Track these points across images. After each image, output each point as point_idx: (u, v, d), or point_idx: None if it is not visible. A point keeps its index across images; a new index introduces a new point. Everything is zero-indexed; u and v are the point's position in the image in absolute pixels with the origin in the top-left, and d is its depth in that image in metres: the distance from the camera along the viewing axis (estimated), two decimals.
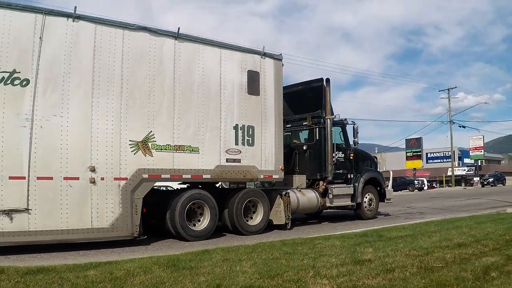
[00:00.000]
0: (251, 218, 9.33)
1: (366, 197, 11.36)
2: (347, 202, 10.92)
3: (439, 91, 49.58)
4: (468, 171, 54.46)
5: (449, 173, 48.41)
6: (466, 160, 57.90)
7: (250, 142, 9.21)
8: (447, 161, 53.90)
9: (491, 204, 16.15)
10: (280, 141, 9.76)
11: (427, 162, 58.55)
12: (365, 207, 11.37)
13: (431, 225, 8.72)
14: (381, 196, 11.84)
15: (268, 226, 9.51)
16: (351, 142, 11.56)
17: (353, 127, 11.53)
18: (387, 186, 12.24)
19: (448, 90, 47.23)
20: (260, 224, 9.27)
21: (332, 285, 4.02)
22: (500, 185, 43.74)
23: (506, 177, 54.26)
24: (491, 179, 44.83)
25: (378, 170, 12.85)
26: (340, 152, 10.97)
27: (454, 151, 49.80)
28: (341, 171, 11.02)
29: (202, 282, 4.13)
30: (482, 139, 54.00)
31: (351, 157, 11.30)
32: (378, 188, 11.80)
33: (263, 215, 9.34)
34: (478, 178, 50.30)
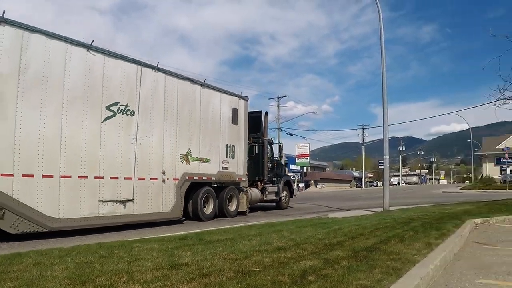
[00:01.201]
0: (230, 205, 14.05)
1: (283, 194, 17.34)
2: (274, 197, 16.66)
3: (269, 99, 52.92)
4: (292, 177, 54.64)
5: None
6: (293, 167, 60.91)
7: (233, 156, 13.97)
8: None
9: (315, 209, 17.09)
10: (246, 155, 14.77)
11: None
12: (283, 200, 17.34)
13: (253, 228, 8.76)
14: (291, 193, 18.05)
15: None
16: (275, 155, 17.38)
17: (279, 145, 17.46)
18: (294, 186, 18.58)
19: (278, 98, 51.20)
20: (235, 210, 14.08)
21: None
22: None
23: (330, 184, 61.49)
24: None
25: (288, 175, 19.10)
26: (269, 162, 16.63)
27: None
28: (270, 175, 16.69)
29: None
30: (308, 147, 57.68)
31: (275, 166, 17.11)
32: (289, 188, 17.99)
33: (236, 204, 14.19)
34: (303, 184, 54.71)
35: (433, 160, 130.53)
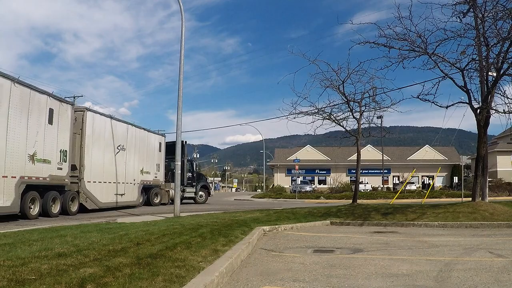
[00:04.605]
0: (155, 199, 23.84)
1: (199, 193, 27.58)
2: (192, 195, 26.85)
3: (65, 97, 49.65)
4: (210, 183, 52.36)
5: None
6: None
7: (159, 169, 23.98)
8: None
9: (105, 213, 16.87)
10: (164, 169, 24.85)
11: None
12: (198, 198, 27.40)
13: (35, 233, 8.32)
14: (209, 193, 28.74)
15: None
16: (195, 168, 27.90)
17: (196, 163, 28.14)
18: (212, 189, 29.39)
19: (74, 98, 50.45)
20: (159, 202, 23.93)
21: None
22: None
23: None
24: None
25: (207, 181, 29.73)
26: (189, 173, 26.94)
27: None
28: (189, 181, 26.86)
29: None
30: None
31: (194, 175, 27.45)
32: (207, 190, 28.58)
33: (159, 198, 24.11)
34: None
35: (226, 168, 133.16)
